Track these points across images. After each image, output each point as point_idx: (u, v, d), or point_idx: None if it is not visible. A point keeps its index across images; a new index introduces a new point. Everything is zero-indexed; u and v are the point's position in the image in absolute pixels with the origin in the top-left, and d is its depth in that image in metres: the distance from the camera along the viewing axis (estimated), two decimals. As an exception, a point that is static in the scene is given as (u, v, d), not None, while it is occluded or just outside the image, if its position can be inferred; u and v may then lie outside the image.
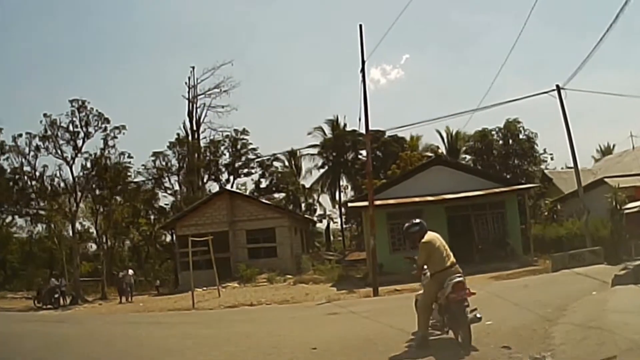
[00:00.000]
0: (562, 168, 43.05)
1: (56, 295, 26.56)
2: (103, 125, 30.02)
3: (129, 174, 31.69)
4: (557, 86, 23.87)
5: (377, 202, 20.58)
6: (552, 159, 43.31)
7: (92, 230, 41.44)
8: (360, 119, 18.97)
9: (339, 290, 21.65)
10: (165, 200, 46.64)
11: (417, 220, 8.53)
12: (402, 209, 25.68)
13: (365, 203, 24.84)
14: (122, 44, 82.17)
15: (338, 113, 54.91)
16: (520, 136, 42.07)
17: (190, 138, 46.74)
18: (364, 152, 53.42)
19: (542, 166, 42.84)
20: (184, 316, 16.89)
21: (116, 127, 30.26)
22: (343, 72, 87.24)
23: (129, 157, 31.20)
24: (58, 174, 30.59)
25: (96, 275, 43.60)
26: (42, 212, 33.72)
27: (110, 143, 30.52)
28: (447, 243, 8.32)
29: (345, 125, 51.50)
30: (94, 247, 48.40)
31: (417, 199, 25.38)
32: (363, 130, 19.05)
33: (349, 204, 26.76)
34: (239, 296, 23.23)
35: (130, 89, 79.64)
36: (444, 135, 47.55)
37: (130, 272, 28.59)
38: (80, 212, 36.33)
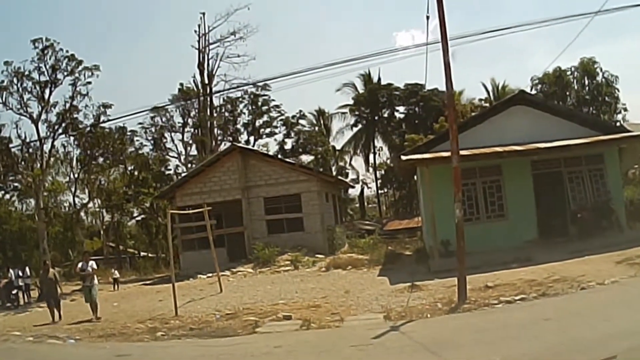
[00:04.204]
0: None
1: (14, 292, 20.38)
2: (73, 68, 22.87)
3: (106, 127, 24.19)
4: None
5: (447, 154, 13.55)
6: (625, 109, 36.95)
7: (90, 204, 35.20)
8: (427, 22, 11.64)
9: (394, 282, 14.78)
10: (170, 166, 40.54)
11: None
12: (474, 163, 18.62)
13: (427, 155, 18.10)
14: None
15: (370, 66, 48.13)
16: (598, 79, 36.14)
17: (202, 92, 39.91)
18: (400, 109, 48.14)
19: (620, 116, 36.54)
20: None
21: (86, 68, 23.11)
22: (376, 21, 78.69)
23: (106, 106, 23.95)
24: (16, 133, 23.83)
25: (101, 255, 38.22)
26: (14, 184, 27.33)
27: (83, 90, 23.38)
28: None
29: (379, 79, 47.11)
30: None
31: (499, 149, 18.16)
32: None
33: (403, 157, 19.52)
34: (248, 291, 16.61)
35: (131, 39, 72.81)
36: (490, 87, 43.13)
37: (92, 264, 15.65)
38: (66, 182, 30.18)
